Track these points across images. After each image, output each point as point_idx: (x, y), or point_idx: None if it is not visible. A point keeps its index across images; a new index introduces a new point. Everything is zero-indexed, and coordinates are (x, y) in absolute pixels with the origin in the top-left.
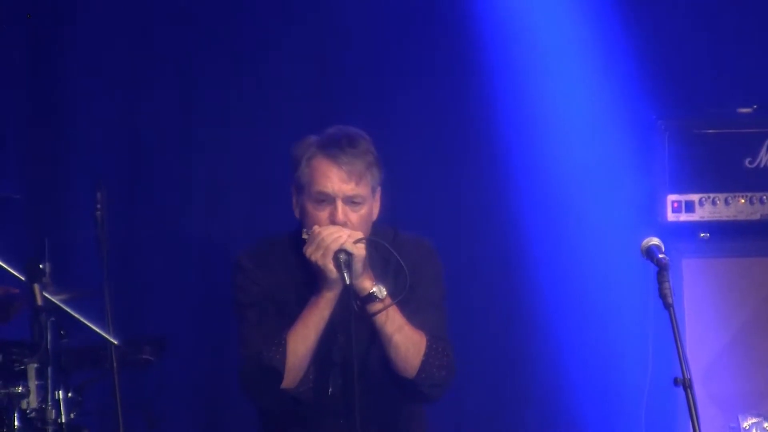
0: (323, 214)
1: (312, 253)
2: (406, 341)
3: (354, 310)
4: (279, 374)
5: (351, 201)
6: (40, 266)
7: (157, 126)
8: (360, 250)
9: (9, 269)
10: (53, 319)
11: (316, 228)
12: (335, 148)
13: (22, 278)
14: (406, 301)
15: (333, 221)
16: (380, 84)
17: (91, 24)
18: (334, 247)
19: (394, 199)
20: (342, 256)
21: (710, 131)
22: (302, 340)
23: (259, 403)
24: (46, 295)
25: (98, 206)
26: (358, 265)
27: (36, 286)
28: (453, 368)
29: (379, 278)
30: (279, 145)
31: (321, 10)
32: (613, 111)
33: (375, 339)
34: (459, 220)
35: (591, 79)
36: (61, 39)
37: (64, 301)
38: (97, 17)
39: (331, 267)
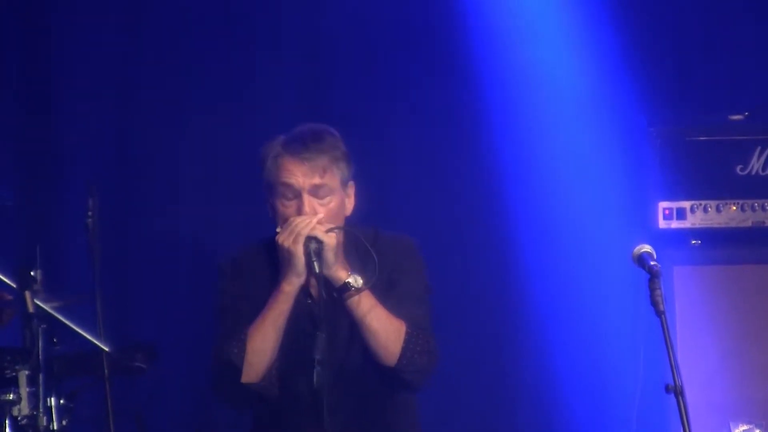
0: (291, 209)
1: (284, 239)
2: (384, 326)
3: (323, 298)
4: (237, 369)
5: (317, 193)
6: (32, 273)
7: (149, 133)
8: (331, 239)
9: (0, 276)
10: (45, 326)
11: (291, 218)
12: (298, 144)
13: (14, 285)
14: (386, 295)
15: (300, 214)
16: (371, 86)
17: (81, 27)
18: (305, 232)
19: (384, 200)
20: (312, 245)
21: (702, 138)
22: (260, 335)
23: (223, 399)
24: (38, 302)
25: (90, 213)
26: (329, 254)
27: (27, 293)
28: (435, 355)
29: (357, 270)
30: None
31: (312, 11)
32: (605, 118)
33: (355, 334)
34: (450, 229)
35: (582, 86)
36: (52, 44)
37: (56, 308)
38: (87, 20)
39: (300, 254)
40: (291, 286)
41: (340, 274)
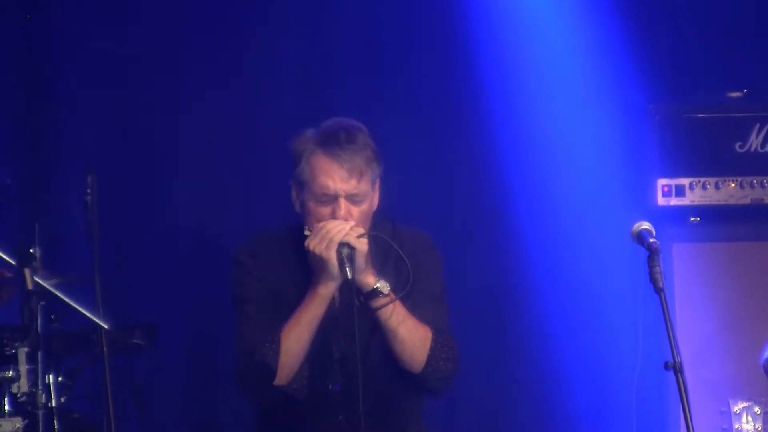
0: (325, 210)
1: (316, 245)
2: (412, 336)
3: (356, 305)
4: (272, 371)
5: (353, 198)
6: (31, 250)
7: (148, 112)
8: (363, 245)
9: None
10: (44, 303)
11: (321, 223)
12: (334, 144)
13: (13, 263)
14: (407, 295)
15: (335, 218)
16: (371, 79)
17: (82, 11)
18: (338, 239)
19: (386, 193)
20: (345, 251)
21: (701, 115)
22: (295, 338)
23: (253, 400)
24: (37, 279)
25: (88, 190)
26: (360, 260)
27: (26, 271)
28: (458, 361)
29: (380, 273)
30: (269, 133)
31: (312, 8)
32: (604, 96)
33: (375, 334)
34: (449, 210)
35: (581, 64)
36: (53, 25)
37: (55, 286)
38: (89, 5)
39: (333, 260)
40: (327, 290)
41: (369, 280)
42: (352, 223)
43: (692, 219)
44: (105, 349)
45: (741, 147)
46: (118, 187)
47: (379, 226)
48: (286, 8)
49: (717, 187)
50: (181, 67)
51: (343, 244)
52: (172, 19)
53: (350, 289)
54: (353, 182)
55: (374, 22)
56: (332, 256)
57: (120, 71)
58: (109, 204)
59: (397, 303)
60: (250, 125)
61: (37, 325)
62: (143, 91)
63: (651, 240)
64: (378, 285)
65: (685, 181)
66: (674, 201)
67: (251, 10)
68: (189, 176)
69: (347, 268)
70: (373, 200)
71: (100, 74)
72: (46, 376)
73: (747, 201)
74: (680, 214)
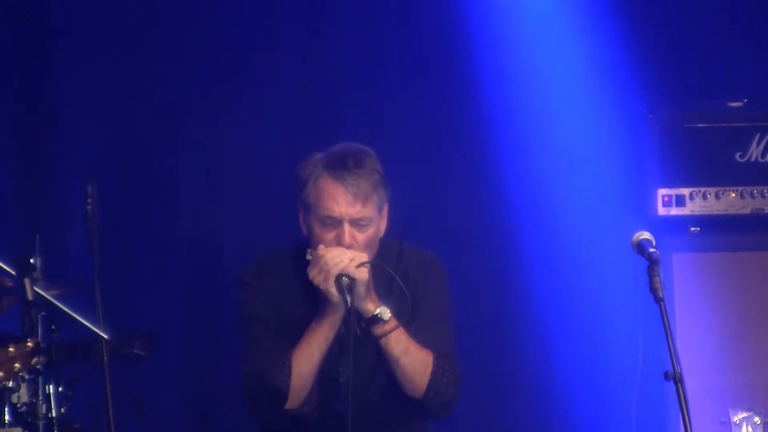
0: (330, 235)
1: (315, 276)
2: (413, 362)
3: (356, 333)
4: (283, 395)
5: (357, 223)
6: (31, 261)
7: (148, 121)
8: (363, 274)
9: (0, 264)
10: (44, 313)
11: (320, 249)
12: (341, 169)
13: (13, 273)
14: (410, 317)
15: (340, 243)
16: (371, 86)
17: (81, 19)
18: (335, 271)
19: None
20: (344, 280)
21: (701, 125)
22: (306, 362)
23: (262, 422)
24: (37, 289)
25: (89, 200)
26: (361, 289)
27: (27, 281)
28: (459, 385)
29: (384, 297)
30: (269, 141)
31: (311, 10)
32: (604, 105)
33: (380, 359)
34: (448, 217)
35: (581, 73)
36: (51, 33)
37: (55, 296)
38: (88, 12)
39: (333, 291)
40: (335, 316)
41: (369, 307)
42: (352, 253)
43: (692, 229)
44: (105, 358)
45: (741, 157)
46: (119, 197)
47: (386, 246)
48: (288, 13)
49: (717, 196)
50: (182, 74)
51: (341, 274)
52: (172, 23)
53: (353, 317)
54: (358, 207)
55: (376, 29)
56: (331, 287)
57: (120, 79)
58: (109, 213)
59: (400, 329)
60: (252, 133)
61: (37, 335)
62: (144, 99)
63: (651, 250)
64: (378, 311)
65: (685, 191)
66: (674, 211)
67: (253, 15)
68: (190, 185)
69: (347, 298)
70: (380, 226)
71: (101, 82)
72: (47, 386)
73: (747, 211)
74: (680, 223)
